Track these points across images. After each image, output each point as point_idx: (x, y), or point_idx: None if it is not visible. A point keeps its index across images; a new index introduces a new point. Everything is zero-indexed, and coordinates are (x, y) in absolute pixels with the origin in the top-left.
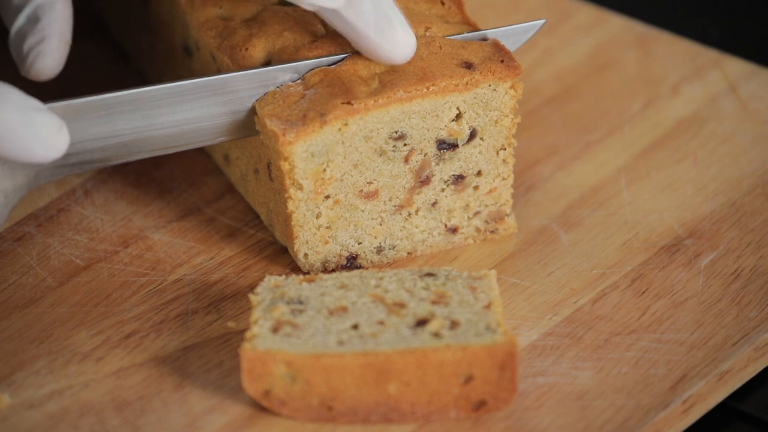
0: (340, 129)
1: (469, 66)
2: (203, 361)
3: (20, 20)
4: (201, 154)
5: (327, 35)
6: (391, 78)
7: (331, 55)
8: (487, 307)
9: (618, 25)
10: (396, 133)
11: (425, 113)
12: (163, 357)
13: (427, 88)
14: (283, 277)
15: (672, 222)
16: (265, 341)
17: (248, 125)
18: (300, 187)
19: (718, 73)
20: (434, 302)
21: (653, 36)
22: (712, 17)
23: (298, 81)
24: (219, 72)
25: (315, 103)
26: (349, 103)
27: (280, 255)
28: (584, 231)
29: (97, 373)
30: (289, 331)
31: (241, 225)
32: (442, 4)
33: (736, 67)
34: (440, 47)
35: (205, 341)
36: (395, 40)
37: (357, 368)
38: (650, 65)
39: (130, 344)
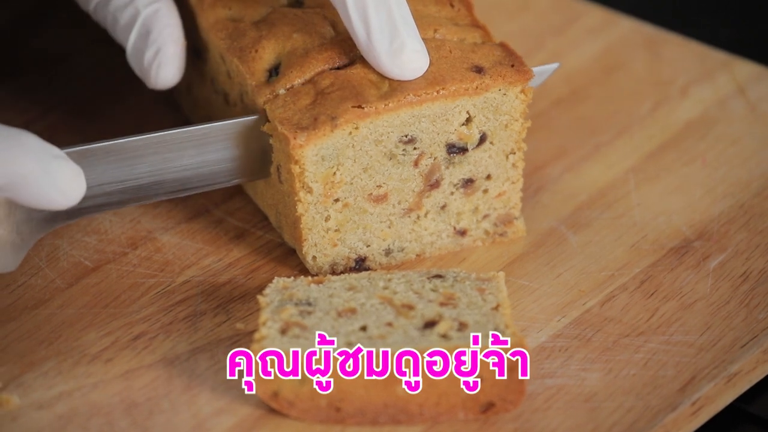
0: (350, 132)
1: (479, 70)
2: (212, 363)
3: (133, 37)
4: None
5: (336, 37)
6: (401, 82)
7: (340, 59)
8: (496, 308)
9: (627, 27)
10: (406, 136)
11: (435, 117)
12: (172, 358)
13: (437, 92)
14: (292, 278)
15: (681, 224)
16: (273, 342)
17: (266, 169)
18: (310, 191)
19: (727, 75)
20: (442, 304)
21: (662, 38)
22: (722, 19)
23: (309, 84)
24: (228, 74)
25: (326, 107)
26: (359, 106)
27: (289, 256)
28: (593, 233)
29: (106, 375)
30: (297, 333)
31: (250, 227)
32: (452, 6)
33: (745, 69)
34: (450, 51)
35: (213, 342)
36: (405, 66)
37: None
38: (659, 67)
39: (139, 345)
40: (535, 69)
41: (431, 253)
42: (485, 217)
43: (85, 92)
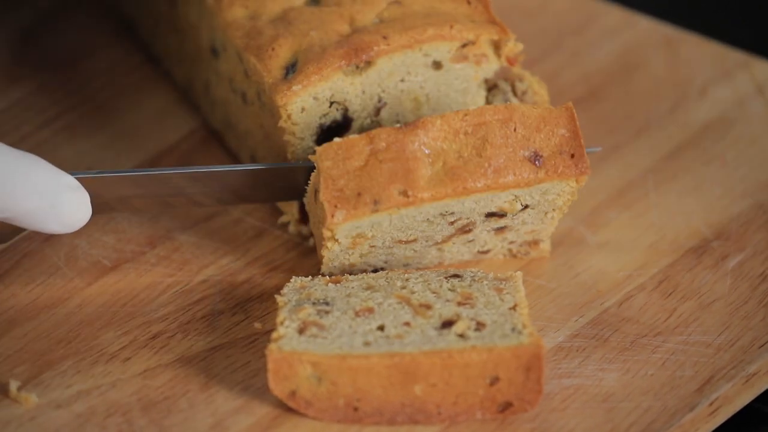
0: (390, 214)
1: (536, 158)
2: (230, 362)
3: None
4: (228, 154)
5: (353, 35)
6: (455, 165)
7: (357, 57)
8: (513, 308)
9: (645, 26)
10: (447, 212)
11: (480, 199)
12: (190, 357)
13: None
14: (310, 278)
15: (699, 224)
16: (291, 342)
17: (293, 192)
18: (338, 242)
19: (746, 74)
20: (460, 303)
21: (681, 38)
22: (740, 19)
23: (366, 139)
24: (246, 73)
25: (372, 182)
26: (405, 194)
27: (307, 256)
28: (611, 233)
29: (124, 373)
30: (315, 332)
31: (268, 226)
32: (468, 3)
33: (763, 69)
34: (515, 129)
35: (231, 342)
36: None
37: (383, 369)
38: (678, 67)
39: (157, 344)
40: None
41: (450, 262)
42: (511, 243)
43: (103, 91)
